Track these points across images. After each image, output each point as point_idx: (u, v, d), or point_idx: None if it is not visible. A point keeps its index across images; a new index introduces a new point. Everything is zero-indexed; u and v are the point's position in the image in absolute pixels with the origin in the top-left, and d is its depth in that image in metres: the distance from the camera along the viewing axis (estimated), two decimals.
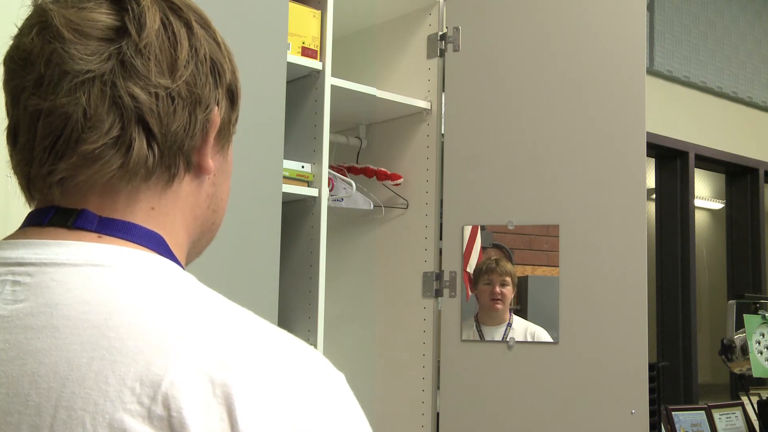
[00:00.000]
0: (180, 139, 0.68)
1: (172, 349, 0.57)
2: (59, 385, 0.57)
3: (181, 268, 0.69)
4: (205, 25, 0.72)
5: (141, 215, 0.68)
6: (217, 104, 0.71)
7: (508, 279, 2.23)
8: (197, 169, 0.71)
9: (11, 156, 0.69)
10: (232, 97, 0.74)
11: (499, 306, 2.22)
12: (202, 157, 0.71)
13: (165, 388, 0.55)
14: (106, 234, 0.65)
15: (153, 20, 0.66)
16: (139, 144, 0.65)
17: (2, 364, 0.59)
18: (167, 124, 0.66)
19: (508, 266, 2.23)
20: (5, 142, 0.69)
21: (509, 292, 2.23)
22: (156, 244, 0.68)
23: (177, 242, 0.71)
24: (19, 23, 0.68)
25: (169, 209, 0.70)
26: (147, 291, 0.62)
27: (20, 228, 0.68)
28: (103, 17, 0.65)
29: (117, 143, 0.65)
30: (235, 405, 0.55)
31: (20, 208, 0.71)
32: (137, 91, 0.64)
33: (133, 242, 0.66)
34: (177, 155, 0.68)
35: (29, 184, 0.68)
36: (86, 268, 0.62)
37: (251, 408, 0.56)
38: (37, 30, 0.65)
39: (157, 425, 0.55)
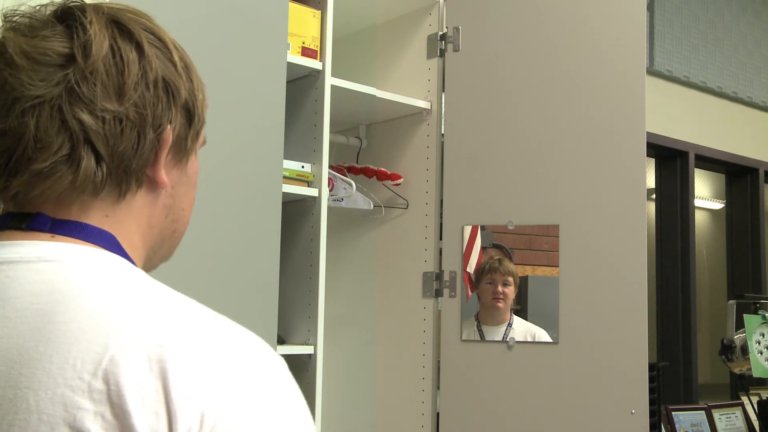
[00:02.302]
0: (128, 159, 0.71)
1: (112, 330, 0.62)
2: (7, 369, 0.62)
3: (132, 264, 0.72)
4: (160, 44, 0.74)
5: (94, 220, 0.72)
6: (170, 122, 0.74)
7: (510, 279, 2.23)
8: (151, 184, 0.75)
9: None
10: (189, 115, 0.77)
11: (501, 304, 2.22)
12: (155, 172, 0.74)
13: (105, 365, 0.60)
14: (59, 234, 0.70)
15: (100, 46, 0.69)
16: (87, 162, 0.69)
17: None
18: (113, 145, 0.70)
19: (511, 266, 2.23)
20: None
21: (511, 291, 2.23)
22: (107, 242, 0.71)
23: (131, 245, 0.74)
24: None
25: (123, 218, 0.74)
26: (93, 281, 0.67)
27: None
28: (56, 44, 0.69)
29: (68, 160, 0.69)
30: (170, 378, 0.60)
31: None
32: (83, 116, 0.68)
33: (86, 240, 0.70)
34: (127, 172, 0.72)
35: None
36: (38, 264, 0.67)
37: (184, 381, 0.60)
38: None
39: (97, 398, 0.59)
